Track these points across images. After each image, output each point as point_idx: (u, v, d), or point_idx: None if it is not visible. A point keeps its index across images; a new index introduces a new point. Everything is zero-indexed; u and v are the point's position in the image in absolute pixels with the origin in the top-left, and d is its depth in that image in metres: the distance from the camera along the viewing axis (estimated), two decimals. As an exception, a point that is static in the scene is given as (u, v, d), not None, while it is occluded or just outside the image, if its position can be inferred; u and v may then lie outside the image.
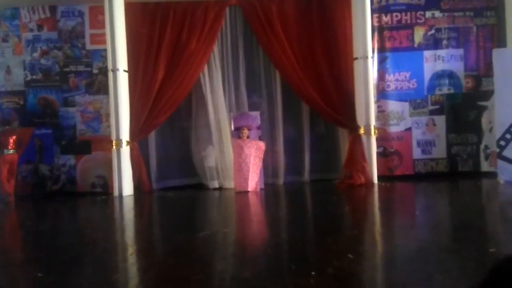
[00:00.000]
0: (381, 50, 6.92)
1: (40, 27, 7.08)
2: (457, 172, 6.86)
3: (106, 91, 6.79)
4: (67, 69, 7.05)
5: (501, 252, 3.14)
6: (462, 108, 6.89)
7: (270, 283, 3.06)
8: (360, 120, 6.64)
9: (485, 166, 6.79)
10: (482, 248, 3.07)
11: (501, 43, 6.72)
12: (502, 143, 6.11)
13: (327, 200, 6.18)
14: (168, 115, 6.95)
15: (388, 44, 6.93)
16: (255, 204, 6.06)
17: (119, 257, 3.95)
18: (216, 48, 6.97)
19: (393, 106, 6.95)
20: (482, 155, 6.84)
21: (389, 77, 6.93)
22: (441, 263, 2.92)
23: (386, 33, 6.92)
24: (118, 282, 3.24)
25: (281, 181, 7.03)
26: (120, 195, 6.48)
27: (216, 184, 6.92)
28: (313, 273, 3.06)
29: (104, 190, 6.82)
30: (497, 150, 6.17)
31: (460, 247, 3.35)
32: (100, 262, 3.65)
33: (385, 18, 6.93)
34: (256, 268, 3.47)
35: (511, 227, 4.21)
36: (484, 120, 6.83)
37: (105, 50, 6.71)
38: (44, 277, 3.25)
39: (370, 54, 6.58)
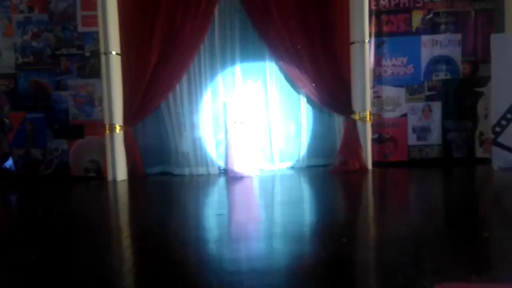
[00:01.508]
0: (378, 34, 6.83)
1: (31, 9, 6.93)
2: (451, 158, 6.85)
3: (98, 75, 6.69)
4: (58, 52, 6.93)
5: (494, 236, 3.14)
6: (458, 94, 6.84)
7: (262, 264, 3.06)
8: (356, 106, 6.59)
9: (479, 152, 6.78)
10: (474, 232, 3.06)
11: (500, 29, 6.64)
12: (498, 129, 6.10)
13: (321, 185, 6.18)
14: (163, 99, 6.87)
15: (385, 29, 6.84)
16: (249, 189, 6.04)
17: (113, 240, 3.93)
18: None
19: (389, 91, 6.89)
20: (477, 142, 6.82)
21: (386, 62, 6.86)
22: (434, 247, 2.91)
23: (384, 17, 6.83)
24: (112, 264, 3.23)
25: (276, 166, 7.01)
26: (114, 180, 6.45)
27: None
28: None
29: (97, 175, 6.77)
30: (492, 136, 6.16)
31: (453, 231, 3.35)
32: (94, 245, 3.64)
33: (383, 2, 6.83)
34: (250, 250, 3.46)
35: (504, 213, 4.22)
36: (480, 106, 6.79)
37: (97, 32, 6.59)
38: (38, 259, 3.23)
39: (367, 38, 6.50)
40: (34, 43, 6.95)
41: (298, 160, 7.01)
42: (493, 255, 2.86)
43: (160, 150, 7.05)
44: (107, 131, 6.52)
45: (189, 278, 2.87)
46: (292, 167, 6.99)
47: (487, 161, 6.28)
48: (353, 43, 6.54)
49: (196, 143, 6.91)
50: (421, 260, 2.68)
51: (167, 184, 6.52)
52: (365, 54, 6.48)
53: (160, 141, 7.05)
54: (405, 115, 6.91)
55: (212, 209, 4.87)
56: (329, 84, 6.70)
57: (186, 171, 6.92)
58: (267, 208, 4.96)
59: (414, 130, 6.93)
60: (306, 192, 6.04)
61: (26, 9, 6.92)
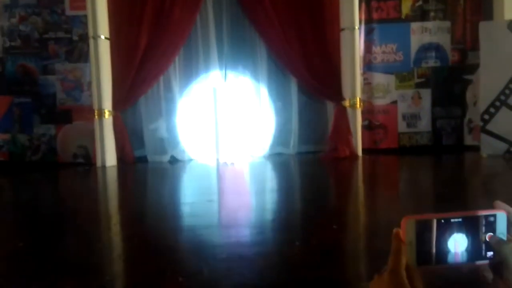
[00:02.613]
0: (368, 21, 6.82)
1: (17, -9, 6.78)
2: (441, 146, 6.91)
3: (86, 59, 6.60)
4: (46, 36, 6.81)
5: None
6: (447, 81, 6.88)
7: (253, 248, 3.08)
8: (346, 92, 6.60)
9: (468, 140, 6.85)
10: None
11: (488, 16, 6.66)
12: (486, 117, 6.16)
13: (312, 172, 6.21)
14: (153, 84, 6.81)
15: (375, 15, 6.82)
16: (236, 176, 6.05)
17: (102, 227, 3.92)
18: (198, 17, 6.78)
19: (379, 78, 6.90)
20: (466, 129, 6.89)
21: (376, 49, 6.86)
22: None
23: (374, 3, 6.80)
24: (101, 251, 3.22)
25: (267, 152, 7.01)
26: (103, 166, 6.41)
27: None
28: (297, 242, 3.08)
29: (86, 161, 6.72)
30: (481, 124, 6.22)
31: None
32: (83, 232, 3.63)
33: (373, -12, 6.81)
34: (240, 236, 3.48)
35: (491, 199, 4.28)
36: (468, 94, 6.84)
37: (86, 16, 6.48)
38: (25, 246, 3.21)
39: (357, 25, 6.48)
40: (21, 27, 6.82)
41: (289, 147, 7.00)
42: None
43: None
44: (96, 116, 6.45)
45: (179, 263, 2.88)
46: (282, 154, 6.99)
47: (476, 149, 6.35)
48: (343, 29, 6.52)
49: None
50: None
51: (156, 170, 6.50)
52: (355, 40, 6.47)
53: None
54: (395, 102, 6.94)
55: (202, 196, 4.87)
56: (319, 70, 6.69)
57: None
58: (256, 195, 4.98)
59: (404, 117, 6.97)
60: (295, 178, 6.06)
61: (13, -9, 6.77)
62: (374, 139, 6.96)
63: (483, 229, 0.61)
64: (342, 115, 6.61)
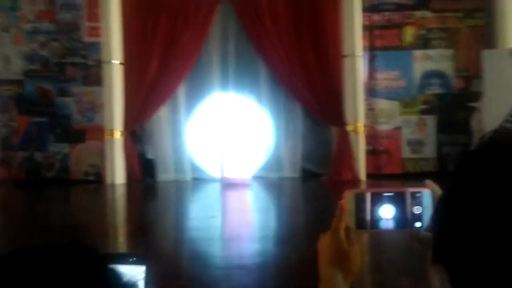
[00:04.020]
0: (371, 48, 6.96)
1: (39, 19, 7.24)
2: (446, 172, 6.87)
3: (101, 82, 6.91)
4: (64, 60, 7.21)
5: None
6: (452, 108, 6.90)
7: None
8: (349, 117, 6.70)
9: (474, 167, 6.78)
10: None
11: (491, 45, 6.72)
12: (490, 143, 6.13)
13: (312, 194, 6.28)
14: (161, 106, 7.08)
15: (377, 43, 6.97)
16: (238, 195, 6.18)
17: (109, 238, 4.10)
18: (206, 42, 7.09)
19: (382, 104, 6.99)
20: (471, 156, 6.84)
21: (379, 75, 6.98)
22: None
23: (376, 31, 6.96)
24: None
25: (272, 174, 7.08)
26: (113, 184, 6.63)
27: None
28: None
29: (96, 178, 6.95)
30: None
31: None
32: (91, 242, 3.79)
33: (375, 17, 6.97)
34: (240, 249, 3.60)
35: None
36: (473, 121, 6.84)
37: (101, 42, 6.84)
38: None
39: (359, 52, 6.63)
40: (41, 51, 7.23)
41: (291, 169, 7.06)
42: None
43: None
44: (107, 136, 6.72)
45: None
46: (284, 176, 7.04)
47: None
48: (345, 56, 6.68)
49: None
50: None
51: (162, 189, 6.69)
52: (357, 67, 6.61)
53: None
54: (399, 127, 6.99)
55: (204, 213, 5.01)
56: (322, 95, 6.84)
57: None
58: (257, 214, 5.09)
59: (408, 143, 6.99)
60: (295, 200, 6.15)
61: (35, 19, 7.22)
62: (378, 164, 6.99)
63: (411, 202, 0.72)
64: (344, 139, 6.70)
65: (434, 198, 0.72)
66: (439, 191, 0.72)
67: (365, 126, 6.73)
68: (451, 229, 0.47)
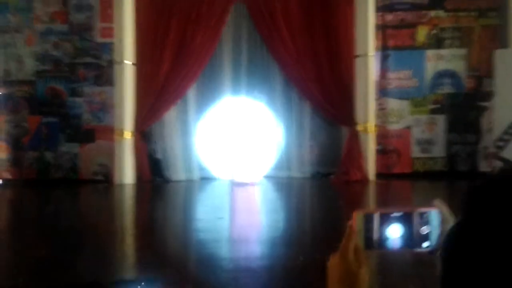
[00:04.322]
0: (383, 48, 6.93)
1: (52, 20, 7.30)
2: (455, 172, 6.84)
3: (113, 83, 6.95)
4: (76, 61, 7.27)
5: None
6: (462, 108, 6.85)
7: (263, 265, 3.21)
8: (359, 117, 6.69)
9: (483, 166, 6.75)
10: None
11: (504, 44, 6.65)
12: (500, 144, 6.10)
13: (322, 194, 6.28)
14: (171, 107, 7.12)
15: (390, 42, 6.92)
16: (252, 196, 6.20)
17: (117, 239, 4.15)
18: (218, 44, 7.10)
19: (393, 104, 6.96)
20: (480, 155, 6.80)
21: (391, 75, 6.94)
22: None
23: (389, 31, 6.93)
24: (116, 261, 3.42)
25: (281, 174, 7.10)
26: (122, 184, 6.68)
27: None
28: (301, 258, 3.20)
29: (105, 178, 7.01)
30: (495, 150, 6.16)
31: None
32: (99, 244, 3.84)
33: (388, 17, 6.93)
34: (248, 251, 3.62)
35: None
36: (484, 121, 6.79)
37: (114, 43, 6.88)
38: (47, 256, 3.44)
39: (372, 52, 6.61)
40: (53, 52, 7.30)
41: (301, 169, 7.07)
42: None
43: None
44: (117, 136, 6.78)
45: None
46: (294, 176, 7.05)
47: (490, 175, 6.25)
48: (357, 56, 6.67)
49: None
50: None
51: (171, 189, 6.74)
52: (369, 67, 6.59)
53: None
54: (408, 127, 6.96)
55: (213, 213, 5.04)
56: (333, 95, 6.83)
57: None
58: (267, 214, 5.11)
59: (418, 142, 6.96)
60: (305, 200, 6.15)
61: (48, 20, 7.29)
62: (387, 164, 6.97)
63: (419, 222, 0.73)
64: (354, 139, 6.69)
65: (442, 218, 0.74)
66: (447, 211, 0.75)
67: (375, 125, 6.70)
68: (459, 262, 0.49)
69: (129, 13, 6.83)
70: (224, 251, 3.67)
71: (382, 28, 6.93)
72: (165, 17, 7.01)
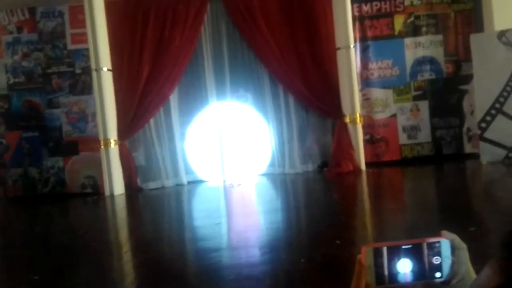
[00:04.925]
0: (363, 39, 7.00)
1: (19, 29, 6.99)
2: (442, 155, 7.01)
3: (90, 91, 6.75)
4: (49, 71, 6.99)
5: (481, 231, 3.28)
6: (443, 92, 7.01)
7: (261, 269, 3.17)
8: (346, 109, 6.74)
9: (468, 148, 6.94)
10: (463, 227, 3.19)
11: (479, 28, 6.84)
12: (483, 125, 6.27)
13: (317, 188, 6.30)
14: (156, 112, 6.96)
15: (369, 33, 7.00)
16: (245, 197, 6.15)
17: (114, 255, 4.02)
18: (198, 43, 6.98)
19: (377, 93, 7.05)
20: (465, 138, 6.99)
21: (372, 65, 7.02)
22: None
23: (367, 22, 6.99)
24: (114, 280, 3.31)
25: (274, 170, 7.08)
26: (112, 195, 6.50)
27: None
28: (302, 260, 3.17)
29: (94, 190, 6.82)
30: (479, 132, 6.33)
31: (443, 227, 3.48)
32: (95, 262, 3.72)
33: (365, 8, 7.00)
34: (249, 256, 3.57)
35: (491, 206, 4.37)
36: (465, 104, 6.97)
37: (87, 49, 6.66)
38: (40, 279, 3.30)
39: (352, 43, 6.65)
40: (24, 63, 7.00)
41: (292, 165, 7.07)
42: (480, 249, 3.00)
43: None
44: (102, 146, 6.58)
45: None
46: (286, 172, 7.06)
47: (476, 156, 6.44)
48: (339, 48, 6.70)
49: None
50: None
51: (162, 197, 6.60)
52: (351, 58, 6.63)
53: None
54: (394, 115, 7.06)
55: (208, 219, 4.95)
56: (318, 89, 6.85)
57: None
58: (263, 215, 5.07)
59: (404, 129, 7.08)
60: (301, 195, 6.16)
61: (15, 29, 6.99)
62: (376, 153, 7.07)
63: (429, 253, 0.74)
64: (343, 131, 6.74)
65: (453, 248, 0.74)
66: (457, 239, 0.76)
67: (362, 116, 6.77)
68: None
69: (101, 17, 6.59)
70: (225, 259, 3.60)
71: (359, 19, 6.99)
72: (140, 20, 6.83)
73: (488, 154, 6.22)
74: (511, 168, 5.91)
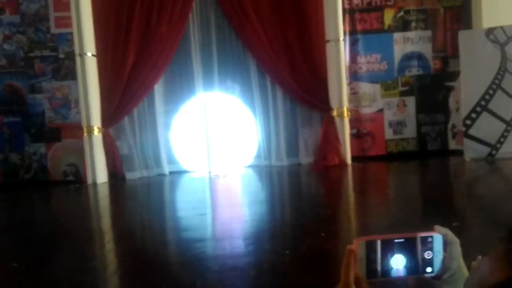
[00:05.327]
0: (352, 32, 6.97)
1: (1, 10, 6.77)
2: (426, 151, 7.06)
3: (73, 76, 6.58)
4: (32, 54, 6.80)
5: (464, 225, 3.31)
6: (430, 88, 7.04)
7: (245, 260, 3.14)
8: (333, 102, 6.72)
9: (452, 145, 7.00)
10: (446, 222, 3.21)
11: (467, 25, 6.87)
12: (468, 122, 6.33)
13: (302, 182, 6.31)
14: (142, 100, 6.84)
15: (359, 27, 6.97)
16: (229, 188, 6.11)
17: (96, 244, 3.95)
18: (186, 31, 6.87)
19: (365, 88, 7.04)
20: (449, 134, 7.05)
21: (361, 59, 7.01)
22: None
23: (357, 15, 6.96)
24: (96, 269, 3.25)
25: (260, 162, 7.05)
26: (94, 183, 6.40)
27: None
28: (287, 251, 3.16)
29: (76, 178, 6.68)
30: (463, 129, 6.39)
31: (426, 222, 3.51)
32: (77, 250, 3.65)
33: (356, 1, 6.96)
34: (233, 247, 3.54)
35: (474, 202, 4.42)
36: (451, 100, 7.01)
37: (71, 33, 6.49)
38: (20, 267, 3.22)
39: (341, 36, 6.62)
40: (6, 46, 6.80)
41: (278, 158, 7.05)
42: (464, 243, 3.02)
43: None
44: (85, 134, 6.46)
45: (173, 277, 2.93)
46: (273, 165, 7.03)
47: (460, 153, 6.50)
48: (328, 41, 6.66)
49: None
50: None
51: (147, 186, 6.52)
52: (340, 52, 6.61)
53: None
54: (381, 110, 7.08)
55: (193, 209, 4.91)
56: (306, 82, 6.80)
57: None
58: (248, 206, 5.05)
59: (390, 124, 7.10)
60: (286, 189, 6.15)
61: (-3, 11, 6.77)
62: (362, 147, 7.08)
63: (422, 248, 0.72)
64: (330, 124, 6.72)
65: (446, 242, 0.73)
66: (449, 233, 0.74)
67: (349, 110, 6.77)
68: None
69: (86, 0, 6.44)
70: (209, 250, 3.57)
71: (349, 12, 6.95)
72: (126, 5, 6.67)
73: (471, 151, 6.28)
74: (494, 166, 5.99)
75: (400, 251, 0.71)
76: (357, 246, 0.71)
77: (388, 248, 0.71)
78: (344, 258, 0.70)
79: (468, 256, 0.76)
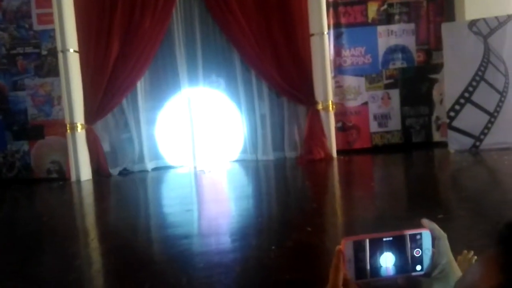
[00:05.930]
0: (336, 26, 6.98)
1: (-18, 8, 6.65)
2: (411, 143, 7.12)
3: (56, 73, 6.51)
4: (14, 51, 6.70)
5: (448, 217, 3.35)
6: (414, 81, 7.10)
7: (232, 256, 3.14)
8: (318, 96, 6.73)
9: (437, 137, 7.08)
10: (431, 215, 3.24)
11: (450, 17, 6.92)
12: (452, 114, 6.39)
13: (288, 175, 6.31)
14: (126, 96, 6.78)
15: (343, 20, 6.99)
16: (214, 183, 6.09)
17: (80, 242, 3.91)
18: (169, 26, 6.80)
19: (350, 81, 7.07)
20: (433, 126, 7.12)
21: (345, 52, 7.03)
22: (395, 230, 3.07)
23: (341, 8, 6.97)
24: (81, 267, 3.22)
25: (246, 157, 7.05)
26: (78, 180, 6.33)
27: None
28: (273, 247, 3.16)
29: (59, 175, 6.61)
30: (447, 121, 6.45)
31: (411, 214, 3.54)
32: (60, 249, 3.61)
33: (339, -6, 6.97)
34: (219, 244, 3.54)
35: (459, 194, 4.47)
36: (435, 93, 7.08)
37: (54, 30, 6.41)
38: (3, 266, 3.18)
39: (326, 30, 6.62)
40: (-13, 43, 6.68)
41: (264, 152, 7.05)
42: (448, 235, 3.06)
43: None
44: (68, 130, 6.38)
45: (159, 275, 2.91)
46: (258, 159, 7.04)
47: (444, 145, 6.57)
48: (312, 35, 6.66)
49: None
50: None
51: (132, 182, 6.47)
52: (325, 45, 6.61)
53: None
54: (366, 103, 7.11)
55: (178, 206, 4.88)
56: (291, 76, 6.80)
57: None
58: (233, 201, 5.04)
59: (375, 117, 7.15)
60: (272, 183, 6.15)
61: (-23, 8, 6.63)
62: (348, 140, 7.12)
63: (411, 245, 0.71)
64: (315, 118, 6.74)
65: (433, 237, 0.72)
66: (437, 228, 0.73)
67: (334, 103, 6.79)
68: None
69: (68, -4, 6.35)
70: (195, 246, 3.56)
71: (333, 5, 6.96)
72: (108, 0, 6.59)
73: (455, 142, 6.35)
74: (478, 157, 6.06)
75: (389, 249, 0.70)
76: (345, 246, 0.69)
77: (377, 247, 0.70)
78: (334, 259, 0.69)
79: (453, 250, 0.76)
